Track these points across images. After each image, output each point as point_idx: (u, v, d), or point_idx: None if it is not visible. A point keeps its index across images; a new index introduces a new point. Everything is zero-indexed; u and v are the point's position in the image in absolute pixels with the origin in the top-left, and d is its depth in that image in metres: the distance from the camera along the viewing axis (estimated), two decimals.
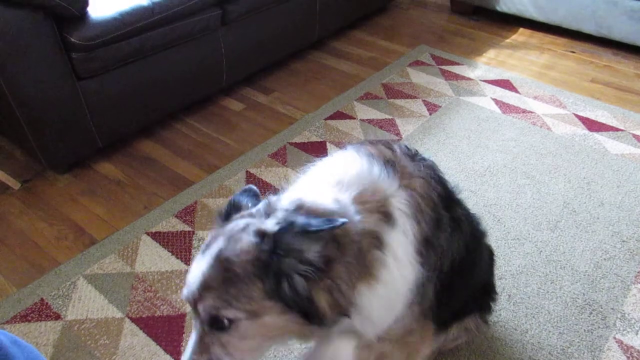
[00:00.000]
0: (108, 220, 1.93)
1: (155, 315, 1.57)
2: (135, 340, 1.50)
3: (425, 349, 1.05)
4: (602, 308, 1.62)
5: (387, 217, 0.86)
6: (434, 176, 0.98)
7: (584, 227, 1.91)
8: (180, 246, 1.81)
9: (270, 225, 0.80)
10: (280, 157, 2.26)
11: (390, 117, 2.54)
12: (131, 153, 2.28)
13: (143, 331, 1.52)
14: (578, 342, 1.52)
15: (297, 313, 0.79)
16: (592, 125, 2.49)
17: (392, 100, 2.67)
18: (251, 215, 0.85)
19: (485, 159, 2.26)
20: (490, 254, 1.35)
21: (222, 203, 1.99)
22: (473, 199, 2.03)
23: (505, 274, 1.73)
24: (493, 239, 1.85)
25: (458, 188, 1.04)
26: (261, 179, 2.13)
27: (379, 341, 0.97)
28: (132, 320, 1.56)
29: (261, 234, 0.79)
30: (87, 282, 1.67)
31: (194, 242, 1.82)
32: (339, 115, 2.54)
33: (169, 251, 1.79)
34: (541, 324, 1.57)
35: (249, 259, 0.77)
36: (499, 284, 1.68)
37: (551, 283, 1.70)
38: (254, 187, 0.97)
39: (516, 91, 2.75)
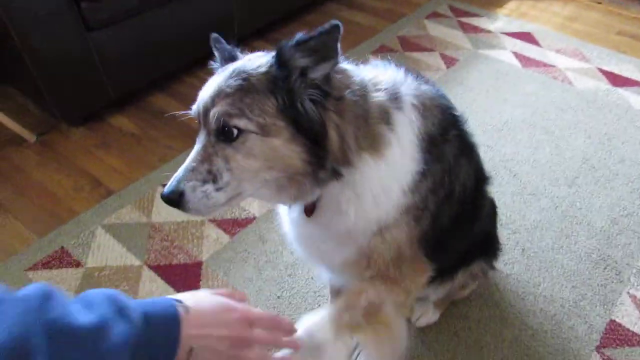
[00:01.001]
0: (123, 172, 1.94)
1: (173, 263, 1.61)
2: (154, 286, 1.54)
3: (418, 284, 1.02)
4: (616, 263, 1.62)
5: (397, 99, 0.88)
6: (443, 96, 0.98)
7: (603, 184, 1.88)
8: None
9: None
10: None
11: None
12: (145, 107, 2.27)
13: (161, 278, 1.56)
14: (591, 295, 1.53)
15: (305, 144, 0.79)
16: (616, 80, 2.40)
17: (408, 53, 2.60)
18: None
19: (504, 113, 2.21)
20: (492, 205, 1.31)
21: None
22: (489, 154, 2.00)
23: (520, 228, 1.72)
24: (508, 194, 1.83)
25: (463, 117, 1.01)
26: None
27: (369, 281, 0.95)
28: (151, 267, 1.59)
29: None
30: (105, 232, 1.70)
31: None
32: None
33: None
34: (554, 277, 1.58)
35: (264, 72, 0.79)
36: (513, 238, 1.68)
37: (566, 238, 1.69)
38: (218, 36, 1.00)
39: (537, 44, 2.65)
